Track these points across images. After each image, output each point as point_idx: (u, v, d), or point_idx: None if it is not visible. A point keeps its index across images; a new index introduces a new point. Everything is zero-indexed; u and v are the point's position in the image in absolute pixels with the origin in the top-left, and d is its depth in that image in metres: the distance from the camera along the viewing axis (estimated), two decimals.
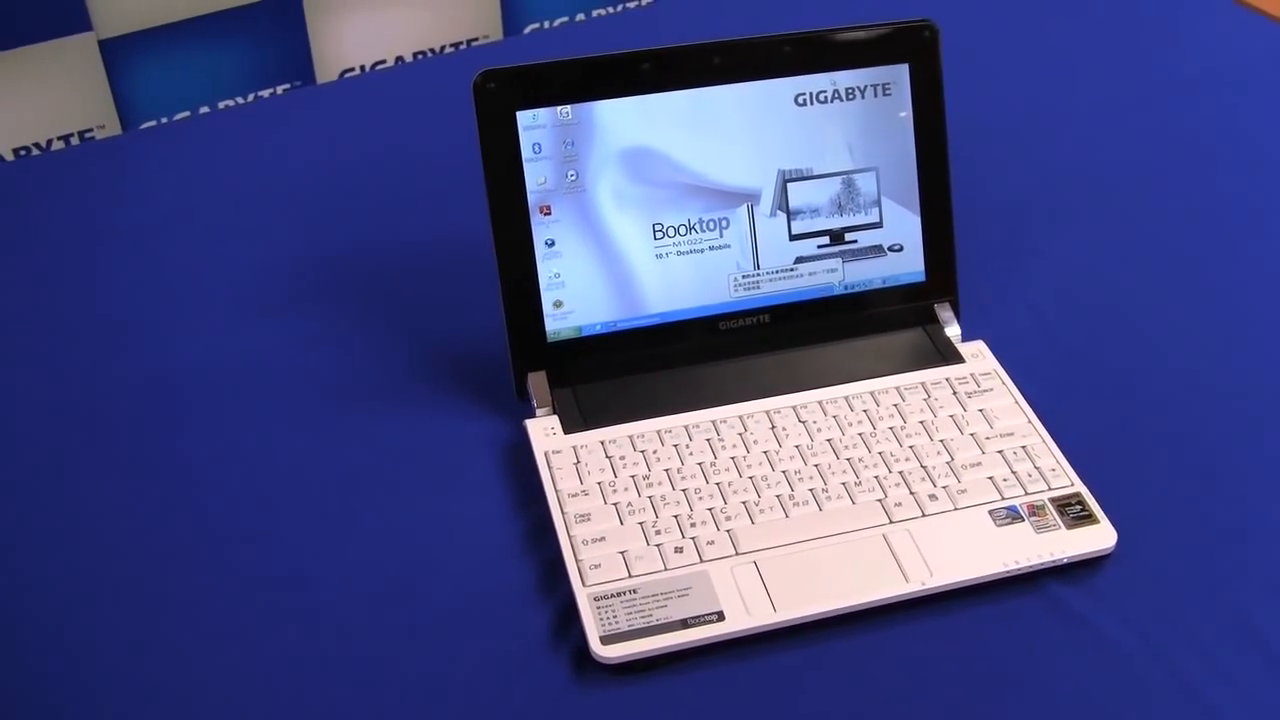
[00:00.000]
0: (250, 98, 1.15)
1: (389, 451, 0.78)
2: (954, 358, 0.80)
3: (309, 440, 0.80)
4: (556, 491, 0.72)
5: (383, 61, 1.19)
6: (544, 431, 0.76)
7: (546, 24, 1.23)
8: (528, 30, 1.23)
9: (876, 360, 0.80)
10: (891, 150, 0.80)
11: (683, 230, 0.78)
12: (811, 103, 0.78)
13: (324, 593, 0.70)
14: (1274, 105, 1.08)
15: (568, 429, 0.76)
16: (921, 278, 0.82)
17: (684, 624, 0.66)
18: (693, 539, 0.70)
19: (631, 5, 1.25)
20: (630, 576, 0.68)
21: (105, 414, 0.81)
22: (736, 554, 0.69)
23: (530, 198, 0.76)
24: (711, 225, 0.78)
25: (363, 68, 1.18)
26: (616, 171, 0.77)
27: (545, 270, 0.77)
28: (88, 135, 1.11)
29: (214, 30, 1.10)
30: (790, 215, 0.79)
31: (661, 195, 0.78)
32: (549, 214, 0.77)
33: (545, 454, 0.74)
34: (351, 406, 0.82)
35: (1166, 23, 1.18)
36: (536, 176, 0.76)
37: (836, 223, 0.80)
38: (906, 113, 0.79)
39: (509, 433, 0.78)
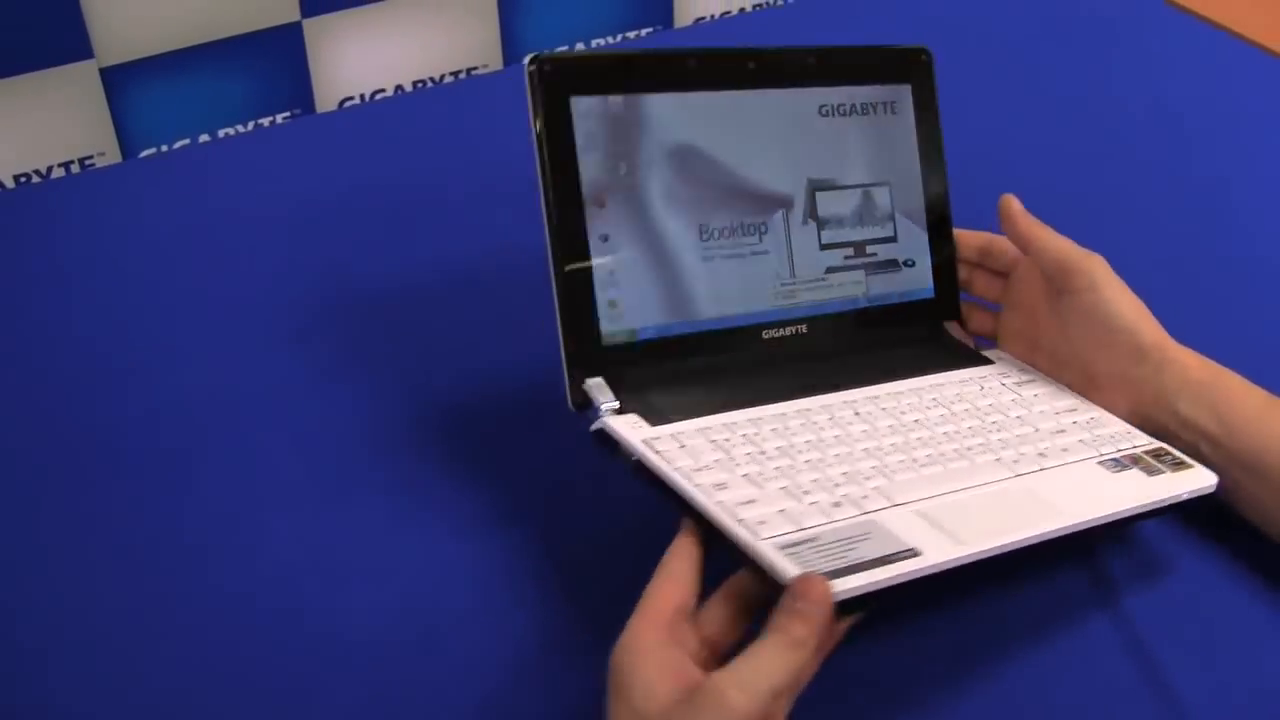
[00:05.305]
0: (250, 126, 1.15)
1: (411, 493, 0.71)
2: (984, 361, 0.81)
3: (325, 478, 0.71)
4: (676, 469, 0.65)
5: (382, 90, 1.19)
6: (629, 426, 0.69)
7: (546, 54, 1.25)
8: (527, 60, 1.25)
9: (918, 363, 0.79)
10: (901, 167, 0.82)
11: (726, 233, 0.76)
12: (833, 114, 0.80)
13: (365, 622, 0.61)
14: (1270, 132, 1.13)
15: (652, 422, 0.69)
16: (930, 294, 0.83)
17: (885, 560, 0.60)
18: (844, 495, 0.64)
19: (631, 35, 1.28)
20: (801, 529, 0.62)
21: (107, 443, 0.75)
22: (893, 505, 0.64)
23: (585, 189, 0.72)
24: (752, 230, 0.77)
25: (363, 96, 1.19)
26: (665, 168, 0.74)
27: (600, 267, 0.72)
28: (88, 162, 1.10)
29: (215, 58, 1.10)
30: (820, 224, 0.79)
31: (707, 196, 0.76)
32: (604, 206, 0.72)
33: (644, 441, 0.67)
34: (364, 446, 0.74)
35: (1151, 46, 1.24)
36: (590, 167, 0.72)
37: (858, 235, 0.80)
38: (911, 131, 0.83)
39: (543, 462, 0.74)
